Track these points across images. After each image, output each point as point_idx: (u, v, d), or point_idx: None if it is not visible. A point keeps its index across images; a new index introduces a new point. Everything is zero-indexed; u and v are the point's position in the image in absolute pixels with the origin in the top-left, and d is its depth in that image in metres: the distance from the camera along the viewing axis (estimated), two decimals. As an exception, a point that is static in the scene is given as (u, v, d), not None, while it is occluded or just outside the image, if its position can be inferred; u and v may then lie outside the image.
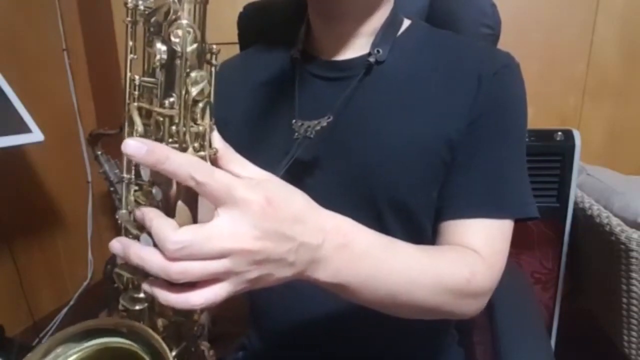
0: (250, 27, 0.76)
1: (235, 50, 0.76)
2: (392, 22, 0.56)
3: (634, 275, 0.82)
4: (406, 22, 0.58)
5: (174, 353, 0.37)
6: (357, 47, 0.55)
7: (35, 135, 0.99)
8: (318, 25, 0.57)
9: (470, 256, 0.47)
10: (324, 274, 0.36)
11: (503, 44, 0.63)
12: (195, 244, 0.30)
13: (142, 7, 0.33)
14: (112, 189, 1.38)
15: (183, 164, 0.30)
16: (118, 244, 0.33)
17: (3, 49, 1.24)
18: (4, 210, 1.26)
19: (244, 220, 0.31)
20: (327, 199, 0.54)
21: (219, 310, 0.71)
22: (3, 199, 1.26)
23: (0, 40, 1.24)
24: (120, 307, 0.36)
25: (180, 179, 0.31)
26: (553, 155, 0.98)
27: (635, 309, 0.83)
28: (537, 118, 1.19)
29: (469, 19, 0.65)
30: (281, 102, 0.58)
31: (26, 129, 0.98)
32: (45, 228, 1.44)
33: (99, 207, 1.62)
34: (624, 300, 0.85)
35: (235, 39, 0.78)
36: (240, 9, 0.76)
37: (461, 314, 0.47)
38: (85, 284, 1.57)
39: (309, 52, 0.58)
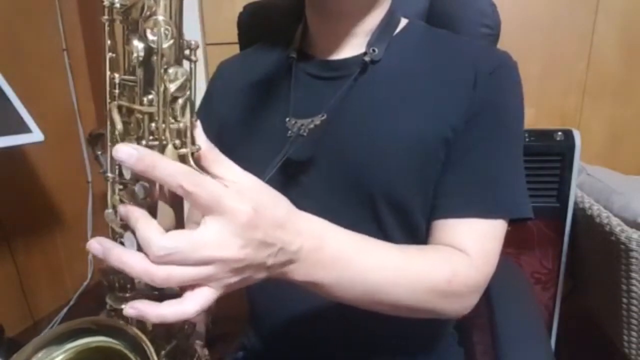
0: (250, 27, 0.76)
1: (235, 50, 0.76)
2: (388, 22, 0.56)
3: (634, 275, 0.81)
4: (403, 22, 0.59)
5: (164, 352, 0.37)
6: (354, 47, 0.55)
7: (35, 135, 0.99)
8: (315, 24, 0.57)
9: (455, 256, 0.47)
10: (297, 274, 0.37)
11: (503, 44, 0.63)
12: (181, 251, 0.30)
13: (118, 5, 0.33)
14: (112, 189, 1.38)
15: (172, 173, 0.30)
16: (98, 246, 0.32)
17: (3, 49, 1.24)
18: (4, 210, 1.26)
19: (231, 230, 0.31)
20: (323, 198, 0.54)
21: (218, 310, 0.71)
22: (3, 199, 1.26)
23: (0, 40, 1.24)
24: (107, 307, 0.36)
25: (169, 187, 0.31)
26: (553, 155, 0.98)
27: (635, 309, 0.83)
28: (537, 118, 1.19)
29: (468, 20, 0.65)
30: (277, 101, 0.58)
31: (26, 129, 0.98)
32: (45, 228, 1.44)
33: (99, 207, 1.61)
34: (624, 300, 0.85)
35: (235, 39, 0.78)
36: (240, 9, 0.76)
37: (445, 312, 0.47)
38: (85, 284, 1.57)
39: (305, 51, 0.58)
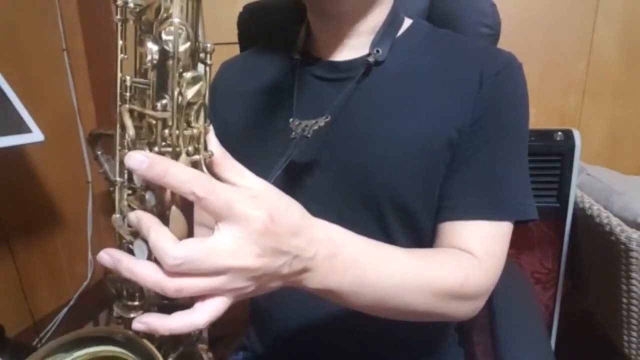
0: (250, 27, 0.76)
1: (235, 50, 0.76)
2: (392, 22, 0.56)
3: (634, 275, 0.81)
4: (407, 22, 0.58)
5: (170, 359, 0.36)
6: (357, 48, 0.55)
7: (35, 135, 0.99)
8: (317, 25, 0.57)
9: (464, 258, 0.47)
10: (311, 281, 0.36)
11: (503, 44, 0.63)
12: (196, 260, 0.29)
13: (132, 5, 0.31)
14: (112, 189, 1.38)
15: (184, 179, 0.30)
16: (107, 257, 0.32)
17: (3, 49, 1.23)
18: (4, 210, 1.26)
19: (245, 237, 0.30)
20: (327, 200, 0.54)
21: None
22: (3, 199, 1.26)
23: (0, 40, 1.24)
24: (114, 314, 0.35)
25: (181, 193, 0.30)
26: (553, 155, 0.98)
27: (635, 309, 0.83)
28: (537, 118, 1.19)
29: (469, 19, 0.65)
30: (281, 103, 0.58)
31: (26, 129, 0.98)
32: (45, 228, 1.44)
33: (99, 207, 1.61)
34: (624, 300, 0.85)
35: (235, 39, 0.78)
36: (240, 9, 0.76)
37: (455, 316, 0.47)
38: (85, 284, 1.57)
39: (309, 52, 0.58)
